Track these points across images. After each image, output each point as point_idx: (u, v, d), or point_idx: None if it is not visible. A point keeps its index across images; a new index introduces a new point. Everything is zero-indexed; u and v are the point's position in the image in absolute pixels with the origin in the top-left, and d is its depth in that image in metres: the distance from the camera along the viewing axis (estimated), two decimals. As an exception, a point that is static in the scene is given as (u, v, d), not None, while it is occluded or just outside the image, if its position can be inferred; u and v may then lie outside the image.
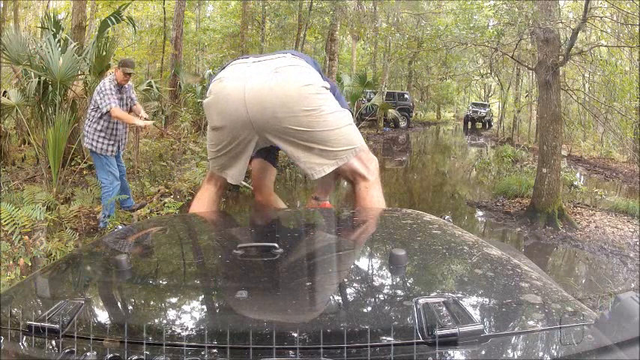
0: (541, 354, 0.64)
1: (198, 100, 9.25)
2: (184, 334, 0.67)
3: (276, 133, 1.50)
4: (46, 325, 0.64)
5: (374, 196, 1.60)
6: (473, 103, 26.44)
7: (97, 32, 5.45)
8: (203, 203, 1.71)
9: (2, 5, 10.55)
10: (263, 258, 0.92)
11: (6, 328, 0.67)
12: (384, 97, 17.20)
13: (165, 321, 0.72)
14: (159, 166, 6.95)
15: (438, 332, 0.59)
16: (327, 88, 1.52)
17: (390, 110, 16.20)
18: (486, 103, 26.65)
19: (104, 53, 5.20)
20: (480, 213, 6.86)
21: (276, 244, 0.91)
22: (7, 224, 3.47)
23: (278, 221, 1.45)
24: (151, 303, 0.82)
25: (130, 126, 4.66)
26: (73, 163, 5.48)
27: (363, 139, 1.67)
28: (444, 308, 0.65)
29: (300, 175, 7.95)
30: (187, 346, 0.62)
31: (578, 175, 10.61)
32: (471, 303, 0.73)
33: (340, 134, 1.52)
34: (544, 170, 6.04)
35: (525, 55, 9.27)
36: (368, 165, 1.62)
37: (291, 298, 0.79)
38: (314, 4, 13.15)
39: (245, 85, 1.44)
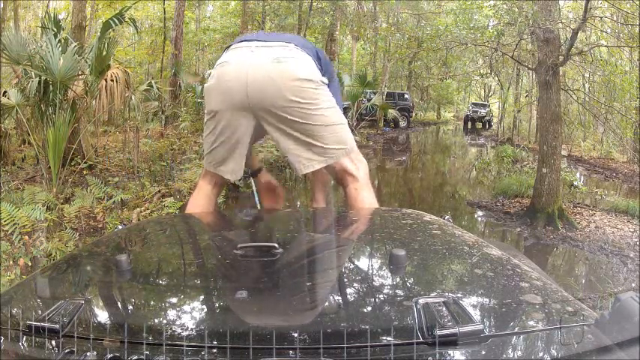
0: (541, 354, 0.64)
1: (199, 100, 9.26)
2: (184, 334, 0.67)
3: (272, 121, 1.52)
4: (46, 325, 0.63)
5: (365, 197, 1.60)
6: (473, 103, 26.44)
7: (98, 33, 5.44)
8: (199, 203, 1.69)
9: (2, 5, 10.55)
10: (263, 258, 0.92)
11: (6, 328, 0.67)
12: (384, 97, 17.20)
13: (165, 321, 0.72)
14: (159, 166, 6.95)
15: (438, 332, 0.59)
16: (324, 83, 1.53)
17: (390, 110, 16.19)
18: (486, 103, 26.65)
19: (104, 53, 5.20)
20: (480, 213, 6.86)
21: (276, 244, 0.91)
22: (7, 224, 3.48)
23: (278, 221, 1.45)
24: (151, 303, 0.82)
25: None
26: (73, 163, 5.48)
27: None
28: (444, 308, 0.65)
29: (299, 176, 7.95)
30: (187, 346, 0.62)
31: (578, 175, 10.61)
32: (471, 303, 0.73)
33: (333, 131, 1.54)
34: (544, 170, 6.04)
35: (525, 55, 9.27)
36: (359, 166, 1.62)
37: (291, 298, 0.79)
38: (314, 4, 13.15)
39: (247, 71, 1.46)
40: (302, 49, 1.55)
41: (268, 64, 1.46)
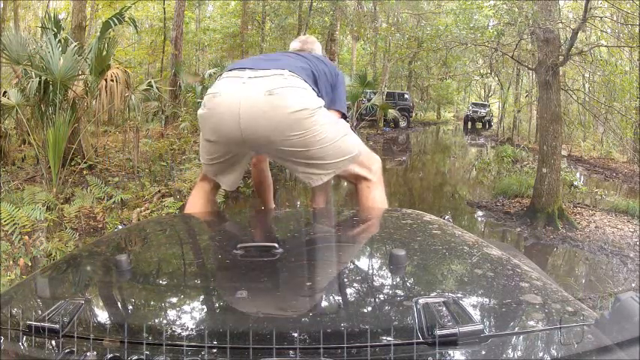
0: (541, 354, 0.64)
1: (198, 100, 9.26)
2: (184, 334, 0.67)
3: (272, 152, 1.53)
4: (46, 325, 0.64)
5: (376, 196, 1.61)
6: (473, 103, 26.42)
7: (98, 33, 5.44)
8: (198, 202, 1.69)
9: (2, 5, 10.55)
10: (263, 258, 0.92)
11: (6, 328, 0.67)
12: (384, 97, 17.19)
13: (165, 321, 0.72)
14: (159, 166, 6.95)
15: (438, 332, 0.59)
16: (320, 107, 1.49)
17: (390, 110, 16.17)
18: (486, 103, 26.64)
19: (104, 53, 5.20)
20: (480, 213, 6.86)
21: (276, 244, 0.91)
22: (7, 224, 3.48)
23: (278, 221, 1.45)
24: (151, 303, 0.82)
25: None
26: (73, 163, 5.48)
27: (363, 141, 1.67)
28: (444, 308, 0.65)
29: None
30: (187, 346, 0.62)
31: (578, 175, 10.61)
32: (471, 303, 0.73)
33: (335, 147, 1.51)
34: (544, 170, 6.04)
35: (525, 55, 9.27)
36: (369, 166, 1.62)
37: (291, 298, 0.79)
38: (314, 4, 13.15)
39: (239, 106, 1.41)
40: (297, 75, 1.49)
41: (260, 98, 1.41)
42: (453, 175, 11.10)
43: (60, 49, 4.88)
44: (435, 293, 0.77)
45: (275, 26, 16.08)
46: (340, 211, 1.81)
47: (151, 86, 7.00)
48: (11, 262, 3.20)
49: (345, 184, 1.81)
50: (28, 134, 5.58)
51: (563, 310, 0.71)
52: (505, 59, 10.85)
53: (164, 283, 0.89)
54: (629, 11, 6.38)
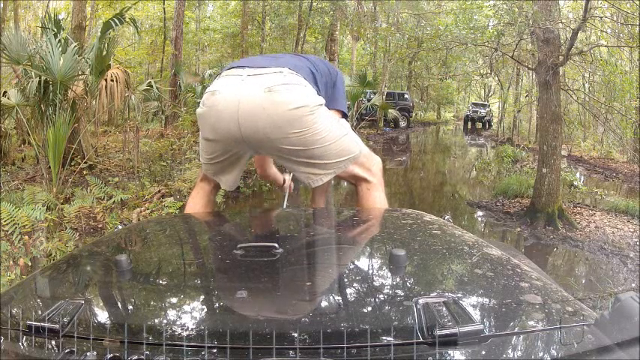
0: (541, 354, 0.64)
1: (198, 100, 9.25)
2: (184, 334, 0.67)
3: (271, 150, 1.51)
4: (46, 325, 0.63)
5: (376, 197, 1.60)
6: (473, 103, 26.44)
7: (99, 33, 5.45)
8: (198, 202, 1.69)
9: (2, 5, 10.55)
10: (263, 258, 0.92)
11: (6, 328, 0.67)
12: (384, 97, 17.20)
13: (165, 321, 0.72)
14: (159, 166, 6.95)
15: (438, 332, 0.59)
16: (320, 105, 1.47)
17: (390, 110, 16.18)
18: (486, 103, 26.66)
19: (104, 53, 5.20)
20: (480, 213, 6.86)
21: (276, 244, 0.91)
22: (7, 224, 3.48)
23: (278, 221, 1.45)
24: (151, 303, 0.82)
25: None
26: (73, 163, 5.49)
27: (363, 141, 1.66)
28: (444, 308, 0.65)
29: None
30: (187, 346, 0.62)
31: (578, 175, 10.62)
32: (471, 303, 0.73)
33: (336, 147, 1.50)
34: (544, 170, 6.04)
35: (525, 55, 9.26)
36: (370, 167, 1.61)
37: (291, 298, 0.79)
38: (314, 4, 13.15)
39: (238, 103, 1.41)
40: (296, 73, 1.47)
41: (260, 95, 1.39)
42: (453, 175, 11.11)
43: (60, 49, 4.88)
44: (435, 293, 0.77)
45: (275, 26, 16.08)
46: (340, 211, 1.81)
47: (151, 86, 7.00)
48: (11, 262, 3.20)
49: (345, 184, 1.80)
50: (28, 134, 5.58)
51: (563, 310, 0.71)
52: (505, 59, 10.84)
53: (164, 283, 0.89)
54: (629, 11, 6.38)
